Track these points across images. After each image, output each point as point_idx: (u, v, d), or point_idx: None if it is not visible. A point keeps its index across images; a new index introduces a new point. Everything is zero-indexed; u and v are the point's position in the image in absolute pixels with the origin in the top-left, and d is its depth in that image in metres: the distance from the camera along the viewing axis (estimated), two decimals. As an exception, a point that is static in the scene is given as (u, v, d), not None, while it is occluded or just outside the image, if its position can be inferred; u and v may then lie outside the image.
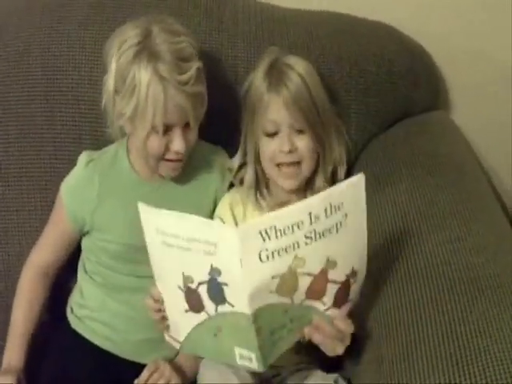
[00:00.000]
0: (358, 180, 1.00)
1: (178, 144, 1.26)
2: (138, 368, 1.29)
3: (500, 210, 1.30)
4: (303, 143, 1.30)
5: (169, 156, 1.28)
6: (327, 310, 1.05)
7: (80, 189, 1.35)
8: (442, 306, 1.01)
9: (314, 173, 1.36)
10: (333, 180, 1.40)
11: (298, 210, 0.96)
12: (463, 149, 1.49)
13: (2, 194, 1.49)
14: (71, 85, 1.45)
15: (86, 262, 1.39)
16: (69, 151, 1.45)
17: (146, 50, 1.22)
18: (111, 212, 1.34)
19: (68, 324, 1.39)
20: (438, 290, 1.04)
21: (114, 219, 1.34)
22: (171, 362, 1.31)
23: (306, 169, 1.32)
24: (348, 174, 1.43)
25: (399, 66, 1.52)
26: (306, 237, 0.96)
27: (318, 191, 1.31)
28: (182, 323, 1.11)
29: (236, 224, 1.33)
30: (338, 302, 1.05)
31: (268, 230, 0.94)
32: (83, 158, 1.38)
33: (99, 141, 1.43)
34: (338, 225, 0.98)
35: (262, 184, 1.37)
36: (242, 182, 1.39)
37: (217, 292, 1.01)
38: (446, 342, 0.95)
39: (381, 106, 1.51)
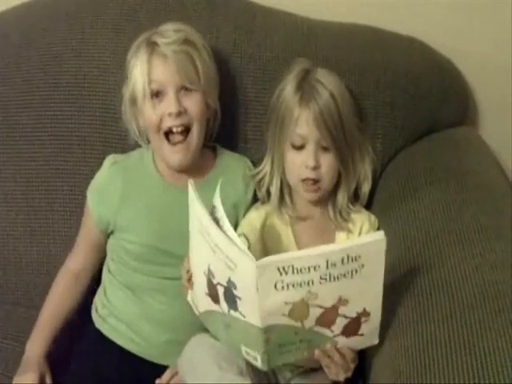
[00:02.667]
0: (379, 239, 1.01)
1: (170, 105, 1.28)
2: (160, 369, 1.31)
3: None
4: (327, 161, 1.31)
5: (166, 123, 1.30)
6: (335, 336, 1.08)
7: (103, 190, 1.38)
8: (462, 321, 1.00)
9: (337, 187, 1.36)
10: (356, 194, 1.40)
11: (317, 255, 0.99)
12: (490, 165, 1.47)
13: (31, 197, 1.52)
14: (101, 90, 1.49)
15: (109, 262, 1.41)
16: (97, 155, 1.48)
17: (147, 41, 1.30)
18: (134, 213, 1.36)
19: (92, 324, 1.41)
20: (457, 306, 1.03)
21: (136, 220, 1.35)
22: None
23: (325, 186, 1.33)
24: (374, 188, 1.44)
25: (427, 80, 1.52)
26: (321, 278, 1.00)
27: (340, 207, 1.36)
28: (202, 300, 1.14)
29: (262, 240, 1.35)
30: (346, 333, 1.08)
31: (286, 267, 0.98)
32: (107, 160, 1.41)
33: (126, 145, 1.45)
34: (354, 271, 1.01)
35: (286, 194, 1.38)
36: (266, 191, 1.40)
37: (231, 300, 1.05)
38: (463, 358, 0.94)
39: (408, 120, 1.50)
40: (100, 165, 1.42)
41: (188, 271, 1.17)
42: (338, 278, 1.00)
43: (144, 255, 1.35)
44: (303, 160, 1.30)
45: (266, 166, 1.40)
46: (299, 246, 1.35)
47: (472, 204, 1.28)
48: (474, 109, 1.66)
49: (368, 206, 1.43)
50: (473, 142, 1.55)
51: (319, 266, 0.99)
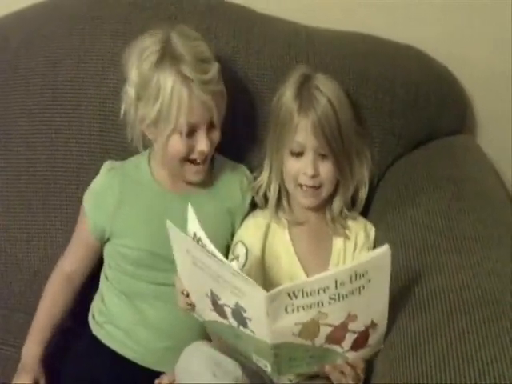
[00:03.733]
0: (384, 252, 1.01)
1: (202, 143, 1.29)
2: (156, 376, 1.29)
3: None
4: (325, 169, 1.31)
5: (193, 156, 1.30)
6: (345, 352, 1.09)
7: (100, 195, 1.38)
8: (459, 330, 1.00)
9: (333, 193, 1.37)
10: (354, 199, 1.41)
11: (326, 278, 0.99)
12: (488, 173, 1.48)
13: (29, 203, 1.52)
14: (100, 97, 1.48)
15: (107, 269, 1.41)
16: (95, 162, 1.47)
17: (167, 55, 1.26)
18: (131, 219, 1.36)
19: (89, 330, 1.40)
20: (454, 314, 1.03)
21: (134, 226, 1.36)
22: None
23: (324, 192, 1.34)
24: (371, 195, 1.44)
25: (426, 88, 1.52)
26: (331, 298, 1.01)
27: (336, 213, 1.36)
28: (206, 313, 1.15)
29: (262, 245, 1.35)
30: (355, 347, 1.09)
31: (296, 292, 0.99)
32: (104, 167, 1.41)
33: (125, 152, 1.45)
34: (361, 288, 1.01)
35: (284, 199, 1.39)
36: (263, 196, 1.40)
37: (240, 319, 1.06)
38: (461, 367, 0.94)
39: (406, 128, 1.51)
40: (98, 171, 1.42)
41: (183, 291, 1.18)
42: (346, 296, 1.01)
43: (141, 261, 1.35)
44: (302, 167, 1.31)
45: (264, 172, 1.40)
46: (296, 250, 1.35)
47: (470, 212, 1.28)
48: (471, 117, 1.66)
49: (365, 214, 1.43)
50: (471, 150, 1.55)
51: (328, 288, 0.99)
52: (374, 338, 1.09)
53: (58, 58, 1.50)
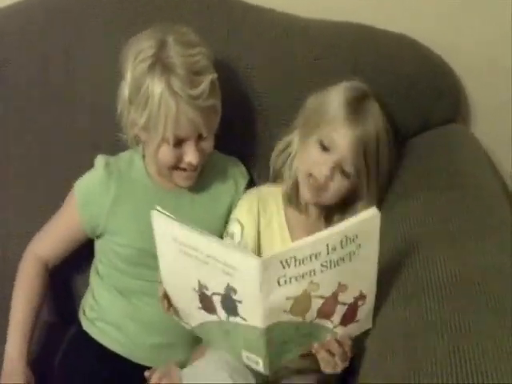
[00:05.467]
0: (373, 215, 1.02)
1: (190, 156, 1.27)
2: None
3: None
4: (338, 184, 1.28)
5: (182, 166, 1.30)
6: (335, 327, 1.09)
7: (96, 191, 1.36)
8: (450, 323, 0.99)
9: (341, 208, 1.35)
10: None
11: (318, 241, 1.00)
12: (482, 163, 1.47)
13: (24, 198, 1.51)
14: (91, 90, 1.47)
15: (98, 265, 1.40)
16: (86, 155, 1.45)
17: (159, 63, 1.23)
18: (125, 216, 1.35)
19: (80, 326, 1.40)
20: (446, 307, 1.03)
21: (127, 224, 1.35)
22: (183, 366, 1.29)
23: (328, 199, 1.31)
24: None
25: (419, 78, 1.51)
26: (322, 265, 1.01)
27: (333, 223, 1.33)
28: (194, 315, 1.14)
29: (257, 225, 1.35)
30: (344, 321, 1.09)
31: (288, 260, 0.98)
32: (101, 161, 1.38)
33: (117, 146, 1.43)
34: (352, 254, 1.02)
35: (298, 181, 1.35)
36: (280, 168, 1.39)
37: (230, 306, 1.04)
38: (452, 361, 0.93)
39: (399, 119, 1.49)
40: (89, 167, 1.40)
41: (164, 297, 1.17)
42: (337, 263, 1.01)
43: (134, 258, 1.34)
44: (321, 163, 1.28)
45: (293, 143, 1.36)
46: (292, 236, 1.35)
47: (463, 204, 1.27)
48: (465, 106, 1.65)
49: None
50: (464, 139, 1.54)
51: (320, 254, 0.99)
52: (362, 312, 1.09)
53: (48, 52, 1.49)
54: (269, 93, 1.48)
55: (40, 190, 1.51)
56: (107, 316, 1.37)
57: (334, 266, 1.01)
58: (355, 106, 1.29)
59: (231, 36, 1.48)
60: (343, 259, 1.01)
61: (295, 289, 1.01)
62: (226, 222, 1.39)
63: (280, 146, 1.39)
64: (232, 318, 1.06)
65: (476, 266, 1.09)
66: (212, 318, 1.10)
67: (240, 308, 1.03)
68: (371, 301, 1.09)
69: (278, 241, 1.35)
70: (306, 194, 1.32)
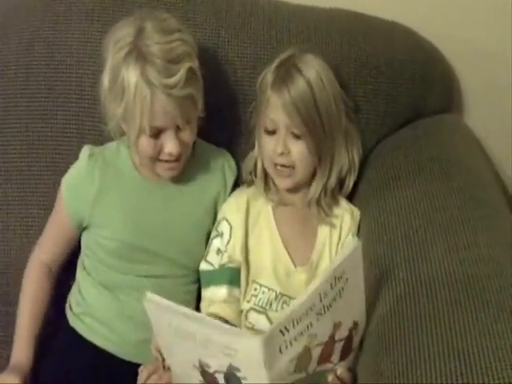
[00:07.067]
0: (356, 248, 1.00)
1: (170, 146, 1.25)
2: (136, 368, 1.26)
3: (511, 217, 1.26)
4: (297, 149, 1.29)
5: (163, 157, 1.27)
6: (335, 365, 1.07)
7: (80, 183, 1.34)
8: (444, 318, 0.97)
9: (313, 177, 1.33)
10: (341, 186, 1.38)
11: (312, 295, 0.96)
12: (476, 152, 1.46)
13: (3, 190, 1.48)
14: (74, 80, 1.44)
15: (84, 259, 1.38)
16: (71, 147, 1.44)
17: (135, 51, 1.21)
18: (110, 208, 1.33)
19: (67, 321, 1.37)
20: (440, 303, 1.01)
21: (112, 215, 1.32)
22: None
23: (298, 173, 1.31)
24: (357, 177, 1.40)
25: (411, 66, 1.49)
26: (317, 314, 0.98)
27: (314, 197, 1.33)
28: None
29: (245, 224, 1.34)
30: (343, 356, 1.07)
31: (287, 326, 0.95)
32: (85, 151, 1.36)
33: (102, 137, 1.40)
34: (341, 290, 1.00)
35: (270, 179, 1.37)
36: (250, 174, 1.39)
37: (234, 381, 1.01)
38: (446, 358, 0.91)
39: (391, 107, 1.48)
40: (74, 156, 1.37)
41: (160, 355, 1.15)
42: (330, 305, 0.99)
43: (119, 251, 1.32)
44: (274, 145, 1.29)
45: (255, 149, 1.38)
46: (280, 232, 1.34)
47: (456, 194, 1.25)
48: (459, 95, 1.63)
49: (349, 196, 1.41)
50: (458, 128, 1.53)
51: (314, 304, 0.97)
52: (356, 340, 1.08)
53: (31, 40, 1.45)
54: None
55: (24, 180, 1.48)
56: (93, 312, 1.34)
57: (328, 310, 0.99)
58: (279, 71, 1.29)
59: (219, 23, 1.45)
60: (334, 299, 0.99)
61: (296, 348, 0.98)
62: (213, 214, 1.38)
63: (245, 164, 1.41)
64: None
65: (473, 260, 1.07)
66: None
67: (245, 382, 1.00)
68: (363, 324, 1.07)
69: (267, 238, 1.34)
70: (281, 182, 1.32)
